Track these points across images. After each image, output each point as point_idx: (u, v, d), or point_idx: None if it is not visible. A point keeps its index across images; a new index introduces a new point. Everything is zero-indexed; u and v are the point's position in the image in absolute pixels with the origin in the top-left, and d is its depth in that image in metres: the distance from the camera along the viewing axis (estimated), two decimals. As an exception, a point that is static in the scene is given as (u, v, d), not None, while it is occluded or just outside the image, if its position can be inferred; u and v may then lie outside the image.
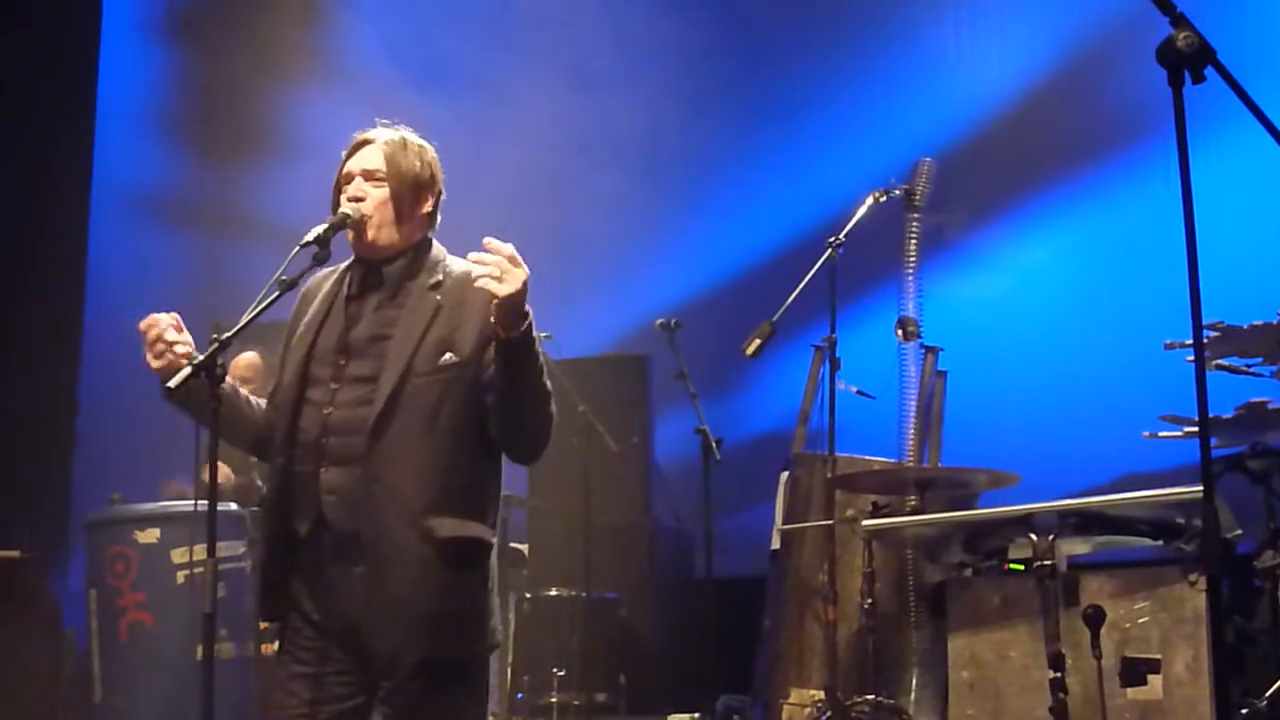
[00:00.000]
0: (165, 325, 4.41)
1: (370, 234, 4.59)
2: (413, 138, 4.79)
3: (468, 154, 11.09)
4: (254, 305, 4.42)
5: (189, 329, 4.40)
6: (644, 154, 11.19)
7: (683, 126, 11.21)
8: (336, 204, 4.68)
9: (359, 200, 4.60)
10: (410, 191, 4.67)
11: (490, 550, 4.57)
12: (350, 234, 4.56)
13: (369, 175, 4.65)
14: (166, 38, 12.49)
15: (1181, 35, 3.38)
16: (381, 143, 4.72)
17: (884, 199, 7.77)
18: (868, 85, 10.63)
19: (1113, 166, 9.94)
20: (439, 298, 4.56)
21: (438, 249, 4.71)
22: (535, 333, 4.39)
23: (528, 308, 4.33)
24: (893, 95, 10.51)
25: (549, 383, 4.48)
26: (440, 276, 4.63)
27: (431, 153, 4.81)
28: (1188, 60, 3.38)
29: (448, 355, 4.49)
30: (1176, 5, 3.41)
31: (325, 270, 4.77)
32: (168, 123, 12.33)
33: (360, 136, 4.78)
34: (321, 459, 4.50)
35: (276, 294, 4.44)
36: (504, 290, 4.25)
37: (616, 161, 11.07)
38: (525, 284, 4.29)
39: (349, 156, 4.73)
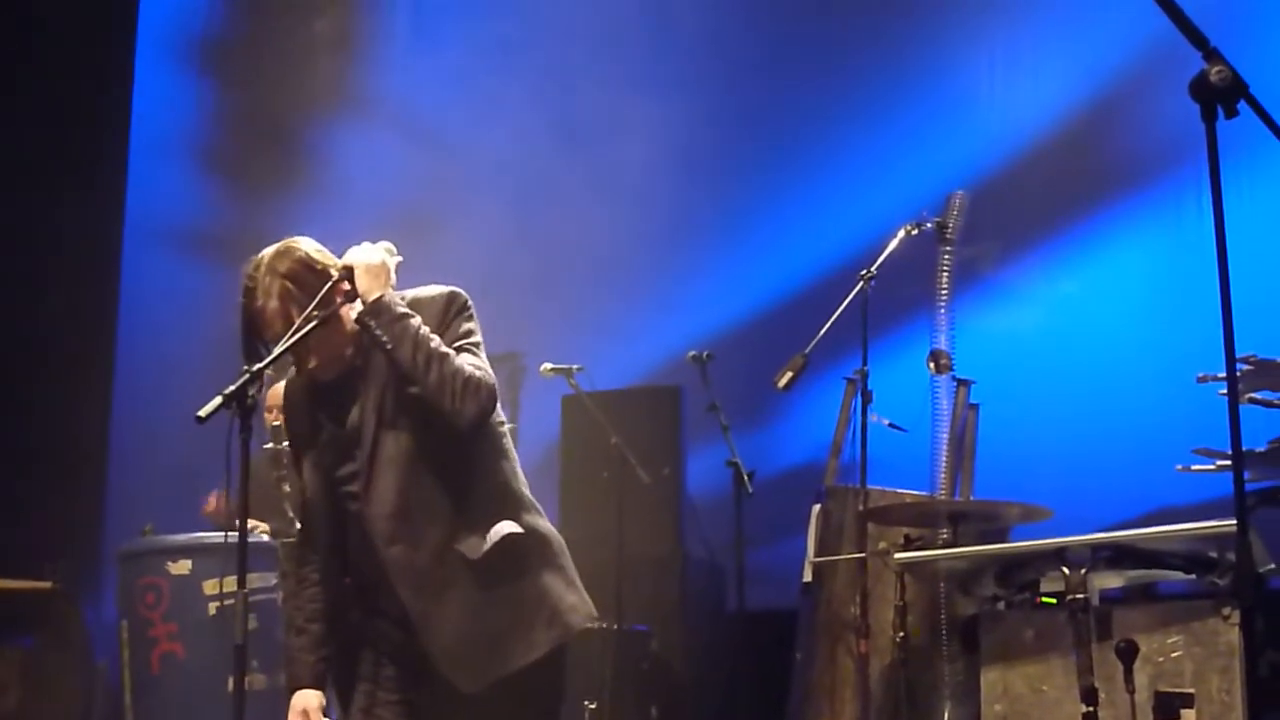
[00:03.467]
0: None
1: (317, 370, 4.68)
2: (275, 257, 4.76)
3: (496, 181, 11.14)
4: (286, 338, 4.45)
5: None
6: (676, 187, 11.18)
7: (714, 160, 11.21)
8: (249, 350, 4.67)
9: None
10: (315, 292, 4.63)
11: (522, 540, 4.65)
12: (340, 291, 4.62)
13: (290, 322, 4.61)
14: (201, 69, 12.53)
15: (1215, 70, 3.37)
16: (262, 300, 4.67)
17: (916, 232, 7.77)
18: (901, 118, 10.61)
19: (1144, 199, 9.90)
20: None
21: (389, 297, 4.64)
22: (392, 309, 4.53)
23: (384, 293, 4.55)
24: (926, 128, 10.49)
25: (419, 356, 4.48)
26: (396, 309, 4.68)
27: (302, 250, 4.76)
28: (1220, 95, 3.38)
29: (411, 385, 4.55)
30: (1209, 39, 3.41)
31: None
32: (201, 154, 12.36)
33: (243, 302, 4.73)
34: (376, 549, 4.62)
35: (310, 327, 4.47)
36: (349, 256, 4.60)
37: (645, 194, 11.06)
38: (370, 256, 4.60)
39: (259, 321, 4.68)
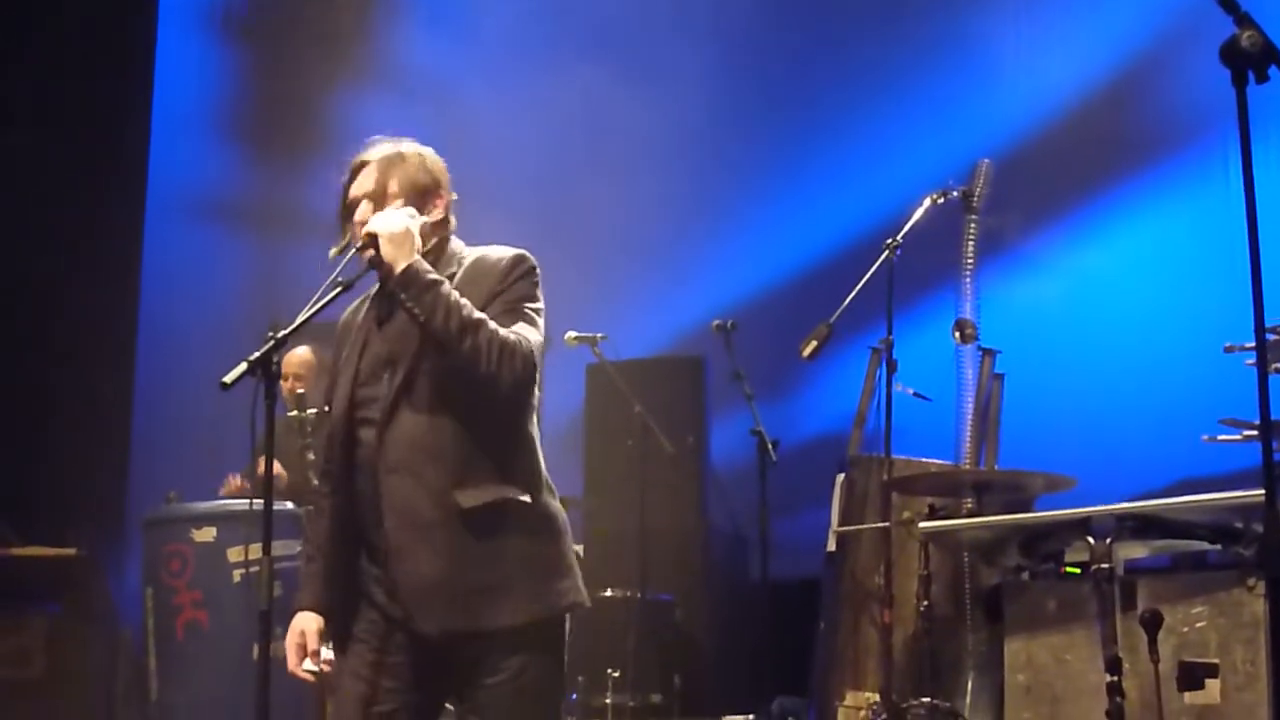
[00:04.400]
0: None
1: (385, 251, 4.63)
2: (411, 147, 4.85)
3: (521, 153, 11.12)
4: (311, 304, 4.44)
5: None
6: (698, 155, 11.17)
7: (740, 127, 11.18)
8: (344, 230, 4.75)
9: (363, 226, 4.65)
10: (417, 200, 4.71)
11: (526, 510, 4.56)
12: (366, 259, 4.56)
13: (372, 196, 4.71)
14: (223, 37, 12.52)
15: (1246, 34, 3.35)
16: (376, 162, 4.78)
17: (942, 201, 7.75)
18: (927, 87, 10.58)
19: (1170, 169, 9.87)
20: (454, 283, 4.60)
21: (456, 244, 4.75)
22: (421, 278, 4.46)
23: (411, 262, 4.48)
24: (952, 97, 10.46)
25: (452, 324, 4.41)
26: (455, 268, 4.70)
27: (433, 158, 4.87)
28: (1252, 60, 3.36)
29: None
30: (1240, 4, 3.39)
31: (355, 301, 4.86)
32: (224, 122, 12.37)
33: (356, 160, 4.83)
34: (380, 473, 4.55)
35: (334, 293, 4.47)
36: (372, 224, 4.51)
37: (670, 162, 11.04)
38: (393, 224, 4.50)
39: (349, 183, 4.80)
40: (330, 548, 4.69)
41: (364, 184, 4.75)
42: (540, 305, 4.69)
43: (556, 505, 4.72)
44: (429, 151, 4.87)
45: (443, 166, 4.87)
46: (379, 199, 4.70)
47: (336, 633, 4.69)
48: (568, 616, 4.69)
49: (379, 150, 4.81)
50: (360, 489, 4.59)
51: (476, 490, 4.46)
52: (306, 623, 4.63)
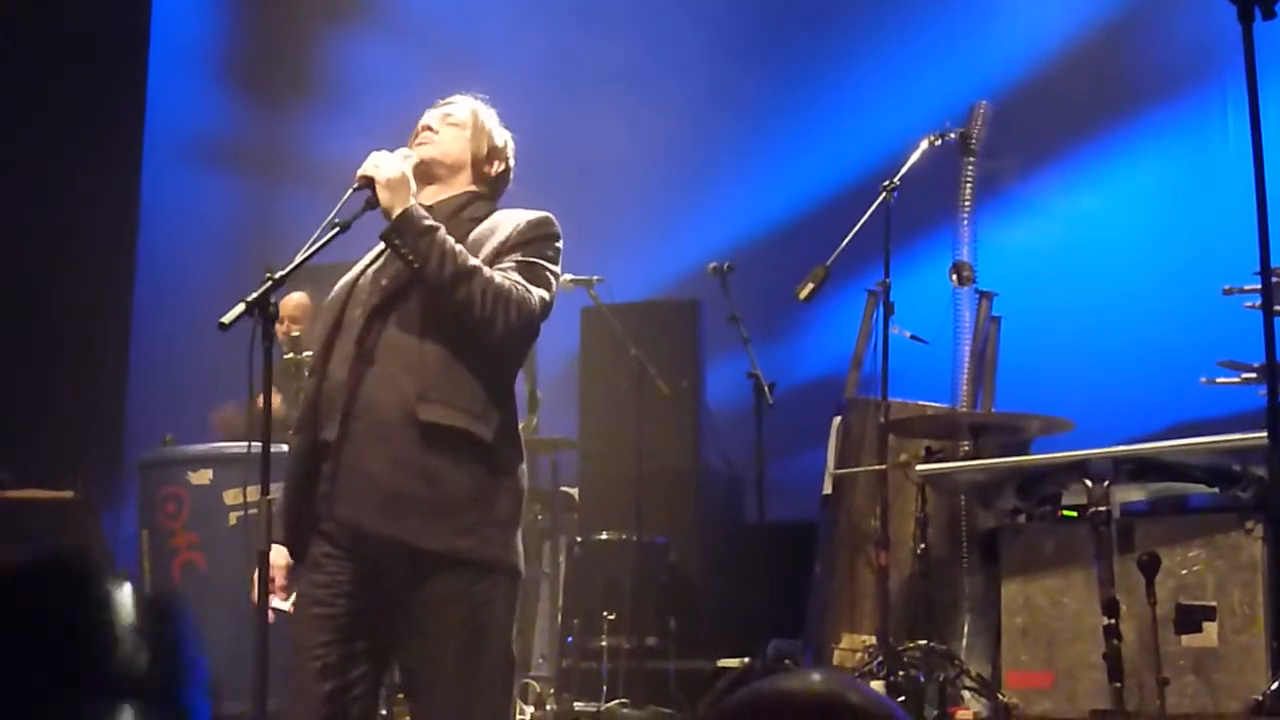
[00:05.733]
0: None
1: (435, 165, 4.68)
2: (498, 121, 4.93)
3: (515, 97, 11.08)
4: (307, 246, 4.43)
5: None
6: (695, 97, 11.14)
7: (735, 68, 11.14)
8: (411, 140, 4.82)
9: (429, 129, 4.71)
10: (483, 151, 4.79)
11: (485, 450, 4.48)
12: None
13: (448, 118, 4.79)
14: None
15: (1252, -29, 3.34)
16: (471, 104, 4.87)
17: (939, 143, 7.74)
18: (923, 27, 10.55)
19: (1168, 110, 9.86)
20: (474, 230, 4.60)
21: (413, 211, 4.56)
22: (417, 223, 4.44)
23: (407, 206, 4.46)
24: (949, 38, 10.43)
25: (446, 270, 4.39)
26: (483, 215, 4.73)
27: (510, 139, 4.94)
28: (1258, -5, 3.34)
29: None
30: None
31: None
32: (221, 66, 12.34)
33: (450, 99, 4.91)
34: (352, 367, 4.54)
35: (330, 235, 4.45)
36: (366, 167, 4.50)
37: (666, 104, 11.01)
38: (387, 168, 4.49)
39: (432, 109, 4.84)
40: (300, 475, 4.66)
41: (449, 108, 4.84)
42: (556, 269, 4.67)
43: (521, 469, 4.64)
44: (511, 137, 4.95)
45: (513, 149, 4.95)
46: (453, 123, 4.80)
47: (289, 550, 4.66)
48: (500, 578, 4.59)
49: (478, 100, 4.92)
50: (332, 378, 4.57)
51: (440, 408, 4.42)
52: (276, 557, 4.59)
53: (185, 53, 12.14)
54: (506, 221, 4.67)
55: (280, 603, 4.60)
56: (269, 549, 4.45)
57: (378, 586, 4.49)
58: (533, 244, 4.62)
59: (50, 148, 10.45)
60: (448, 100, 4.88)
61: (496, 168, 4.85)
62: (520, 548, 4.62)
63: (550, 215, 4.73)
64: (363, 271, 4.74)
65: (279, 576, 4.60)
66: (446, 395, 4.45)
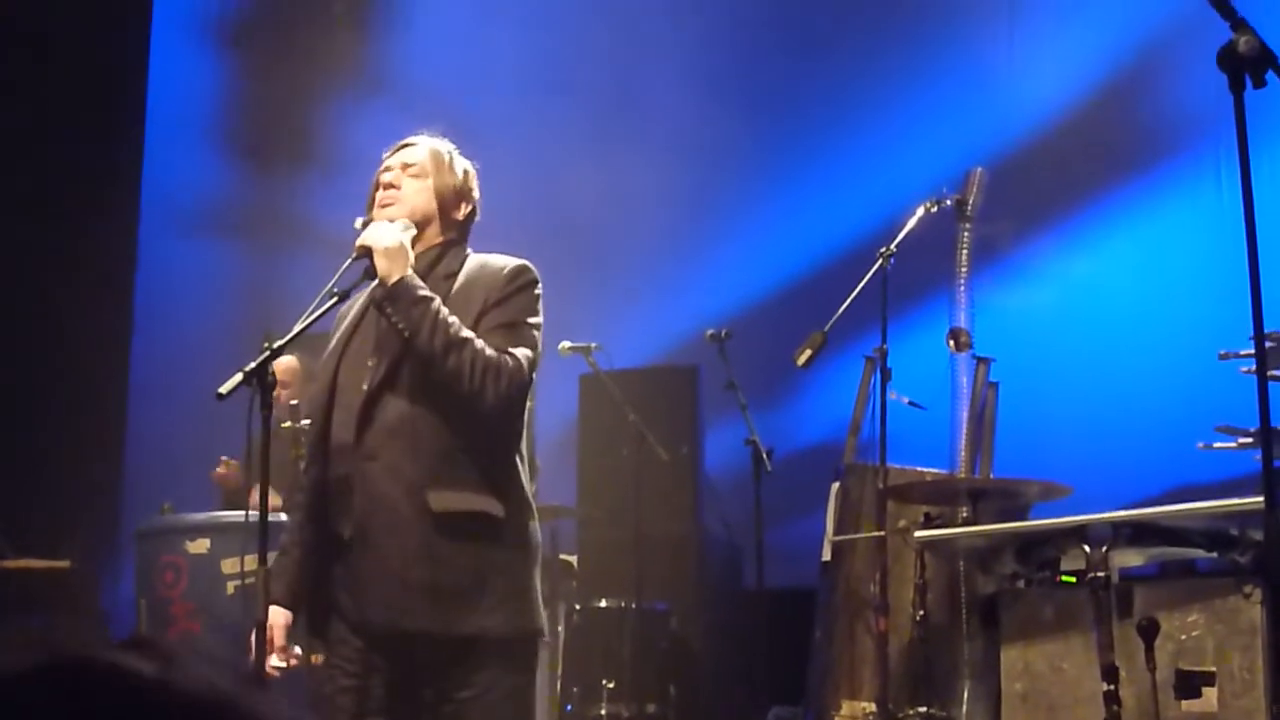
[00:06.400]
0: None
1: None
2: (458, 154, 4.91)
3: (515, 164, 11.12)
4: (306, 315, 4.44)
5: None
6: (693, 163, 11.17)
7: (734, 135, 11.18)
8: (371, 201, 4.78)
9: (392, 188, 4.70)
10: (448, 193, 4.74)
11: (504, 526, 4.53)
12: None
13: (407, 168, 4.75)
14: (217, 47, 12.52)
15: (1243, 39, 3.35)
16: (426, 145, 4.86)
17: (935, 209, 7.75)
18: (920, 94, 10.60)
19: (1162, 175, 9.90)
20: (453, 285, 4.60)
21: (408, 280, 4.62)
22: (411, 292, 4.46)
23: (403, 276, 4.48)
24: (945, 104, 10.48)
25: (436, 341, 4.42)
26: (458, 267, 4.73)
27: (473, 172, 4.93)
28: (1249, 64, 3.36)
29: None
30: (1236, 9, 3.39)
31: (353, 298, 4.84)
32: (217, 132, 12.37)
33: (406, 140, 4.89)
34: (356, 459, 4.51)
35: (329, 304, 4.47)
36: (365, 237, 4.53)
37: (664, 170, 11.04)
38: (386, 238, 4.52)
39: (390, 154, 4.84)
40: (304, 541, 4.67)
41: (406, 155, 4.82)
42: (538, 320, 4.68)
43: (534, 529, 4.69)
44: (471, 167, 4.93)
45: (476, 183, 4.94)
46: (414, 174, 4.77)
47: (307, 627, 4.68)
48: (530, 644, 4.66)
49: (431, 139, 4.89)
50: (335, 475, 4.57)
51: (450, 494, 4.44)
52: (275, 617, 4.61)
53: (183, 118, 12.17)
54: (484, 276, 4.68)
55: (280, 661, 4.61)
56: (265, 619, 4.46)
57: (411, 675, 4.53)
58: (512, 299, 4.65)
59: (47, 213, 10.46)
60: (404, 142, 4.87)
61: (464, 209, 4.85)
62: (542, 607, 4.67)
63: (526, 263, 4.74)
64: (349, 338, 4.74)
65: (278, 636, 4.61)
66: (454, 477, 4.47)
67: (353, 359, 4.67)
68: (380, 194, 4.74)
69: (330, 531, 4.61)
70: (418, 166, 4.78)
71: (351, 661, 4.55)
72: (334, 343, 4.79)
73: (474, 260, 4.76)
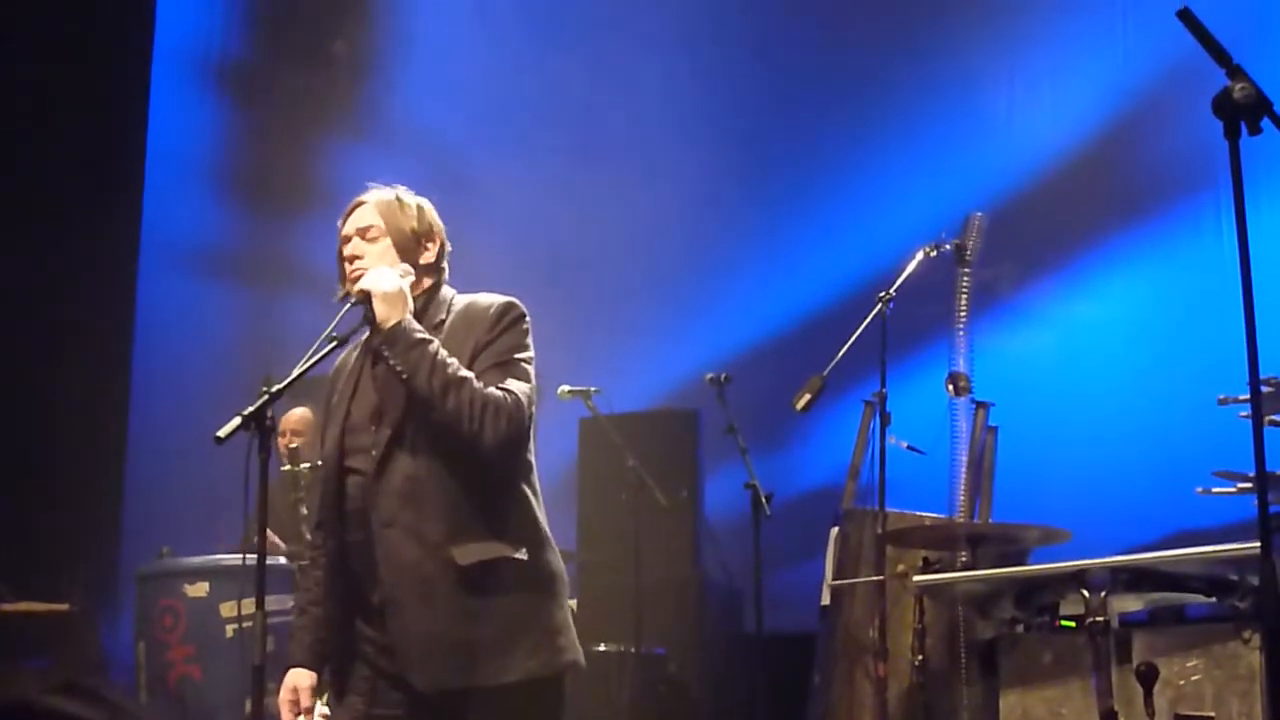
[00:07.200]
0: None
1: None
2: (406, 194, 4.91)
3: (513, 208, 11.14)
4: (305, 359, 4.46)
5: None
6: (694, 207, 11.19)
7: (732, 182, 11.21)
8: (342, 274, 4.78)
9: (356, 259, 4.70)
10: (409, 242, 4.74)
11: (524, 567, 4.56)
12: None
13: (364, 233, 4.76)
14: (217, 91, 12.54)
15: (1238, 86, 3.37)
16: (373, 202, 4.85)
17: (935, 253, 7.76)
18: (919, 140, 10.61)
19: (1162, 222, 9.90)
20: (442, 335, 4.61)
21: (446, 291, 4.80)
22: (408, 335, 4.51)
23: (401, 320, 4.53)
24: (944, 150, 10.49)
25: (435, 382, 4.45)
26: (444, 315, 4.75)
27: (427, 206, 4.93)
28: (1244, 111, 3.37)
29: None
30: (1232, 56, 3.40)
31: (350, 346, 4.84)
32: (218, 176, 12.38)
33: (353, 202, 4.89)
34: (372, 526, 4.53)
35: (328, 349, 4.49)
36: (365, 282, 4.55)
37: (663, 217, 11.06)
38: (385, 283, 4.56)
39: (344, 222, 4.84)
40: (323, 601, 4.69)
41: (358, 220, 4.81)
42: (530, 354, 4.71)
43: (556, 562, 4.72)
44: (424, 201, 4.92)
45: (435, 215, 4.92)
46: (372, 237, 4.76)
47: (331, 687, 4.69)
48: (565, 677, 4.71)
49: (375, 193, 4.88)
50: (353, 540, 4.60)
51: (472, 545, 4.47)
52: (299, 679, 4.63)
53: (182, 162, 12.17)
54: (473, 313, 4.71)
55: None
56: (263, 663, 4.47)
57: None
58: (502, 338, 4.68)
59: (46, 256, 10.47)
60: (353, 204, 4.89)
61: (431, 250, 4.85)
62: (575, 636, 4.76)
63: (513, 300, 4.77)
64: (350, 400, 4.76)
65: (304, 698, 4.63)
66: (474, 529, 4.51)
67: (356, 425, 4.69)
68: (348, 268, 4.76)
69: (354, 597, 4.64)
70: (373, 229, 4.79)
71: (398, 705, 4.57)
72: (335, 405, 4.81)
73: (460, 302, 4.79)
